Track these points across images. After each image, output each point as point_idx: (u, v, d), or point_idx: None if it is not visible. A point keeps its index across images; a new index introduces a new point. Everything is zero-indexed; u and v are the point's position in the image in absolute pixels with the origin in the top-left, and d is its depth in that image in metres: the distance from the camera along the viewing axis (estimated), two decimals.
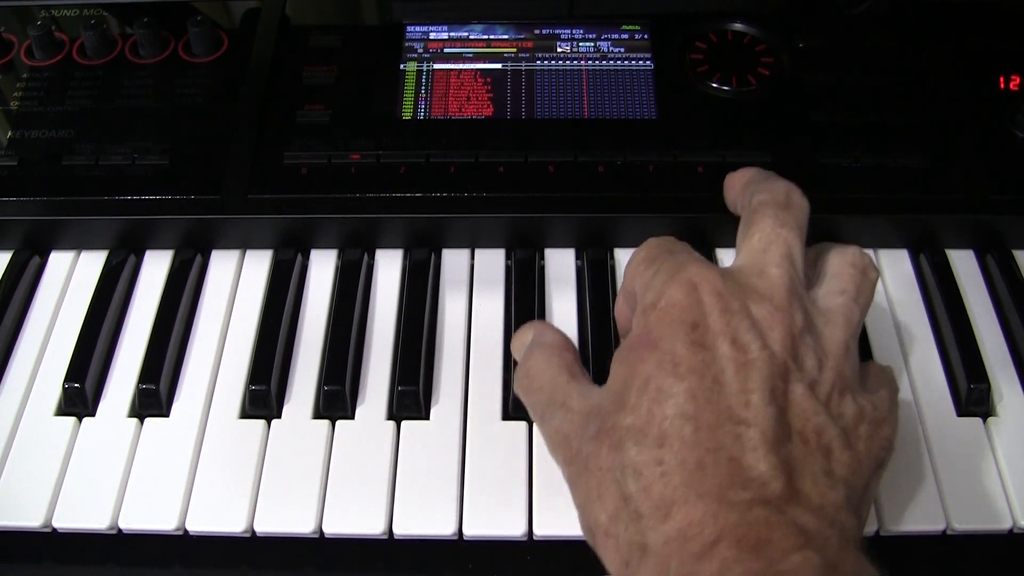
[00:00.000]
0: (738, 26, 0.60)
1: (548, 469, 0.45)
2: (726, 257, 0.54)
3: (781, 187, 0.43)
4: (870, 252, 0.54)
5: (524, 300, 0.51)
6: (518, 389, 0.44)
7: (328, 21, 0.62)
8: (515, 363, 0.46)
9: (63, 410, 0.49)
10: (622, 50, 0.59)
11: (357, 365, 0.49)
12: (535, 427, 0.45)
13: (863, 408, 0.38)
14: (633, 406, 0.36)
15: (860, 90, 0.56)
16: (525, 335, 0.45)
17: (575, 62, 0.58)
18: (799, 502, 0.34)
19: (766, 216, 0.41)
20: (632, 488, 0.35)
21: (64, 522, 0.44)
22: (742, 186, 0.45)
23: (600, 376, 0.47)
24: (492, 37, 0.60)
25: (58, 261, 0.55)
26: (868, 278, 0.41)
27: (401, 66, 0.59)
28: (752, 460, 0.34)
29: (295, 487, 0.45)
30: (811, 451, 0.35)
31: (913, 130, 0.54)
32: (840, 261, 0.42)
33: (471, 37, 0.60)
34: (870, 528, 0.43)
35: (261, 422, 0.47)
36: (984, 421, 0.47)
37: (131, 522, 0.44)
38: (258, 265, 0.54)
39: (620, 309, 0.45)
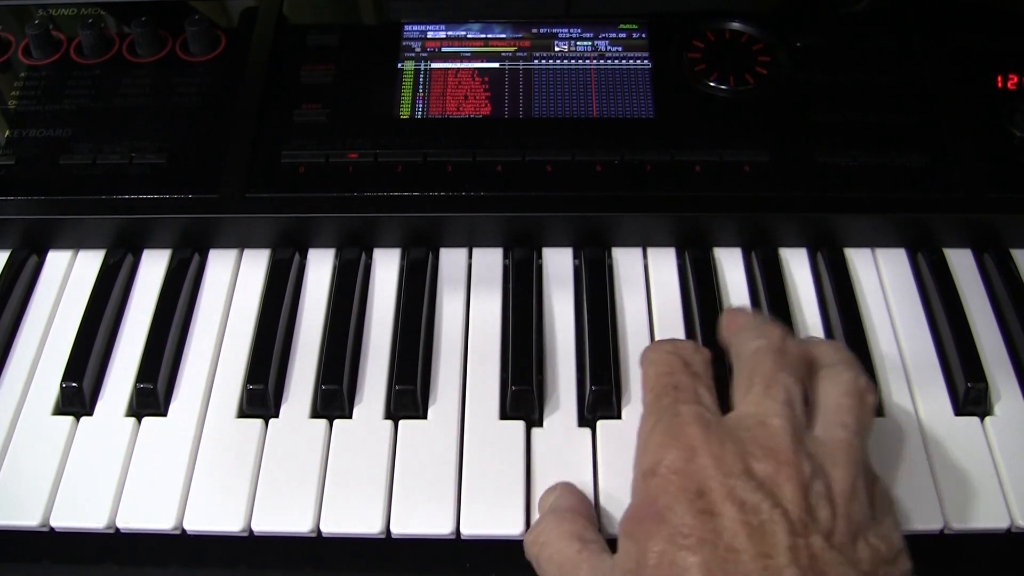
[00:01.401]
0: (736, 25, 0.59)
1: (546, 468, 0.45)
2: (724, 256, 0.54)
3: (776, 333, 0.42)
4: (867, 251, 0.54)
5: (522, 299, 0.51)
6: (529, 555, 0.42)
7: (325, 20, 0.62)
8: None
9: (61, 409, 0.49)
10: (620, 49, 0.59)
11: (355, 364, 0.49)
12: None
13: (878, 549, 0.37)
14: None
15: (858, 89, 0.56)
16: (548, 498, 0.44)
17: (573, 61, 0.58)
18: None
19: (765, 362, 0.41)
20: None
21: (61, 521, 0.44)
22: (736, 329, 0.44)
23: (597, 374, 0.48)
24: (490, 36, 0.60)
25: (56, 260, 0.55)
26: (867, 404, 0.41)
27: (399, 65, 0.59)
28: None
29: (293, 486, 0.45)
30: None
31: (911, 129, 0.54)
32: (836, 392, 0.41)
33: (469, 36, 0.60)
34: None
35: (259, 421, 0.47)
36: (982, 420, 0.47)
37: (129, 521, 0.44)
38: (256, 264, 0.54)
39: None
